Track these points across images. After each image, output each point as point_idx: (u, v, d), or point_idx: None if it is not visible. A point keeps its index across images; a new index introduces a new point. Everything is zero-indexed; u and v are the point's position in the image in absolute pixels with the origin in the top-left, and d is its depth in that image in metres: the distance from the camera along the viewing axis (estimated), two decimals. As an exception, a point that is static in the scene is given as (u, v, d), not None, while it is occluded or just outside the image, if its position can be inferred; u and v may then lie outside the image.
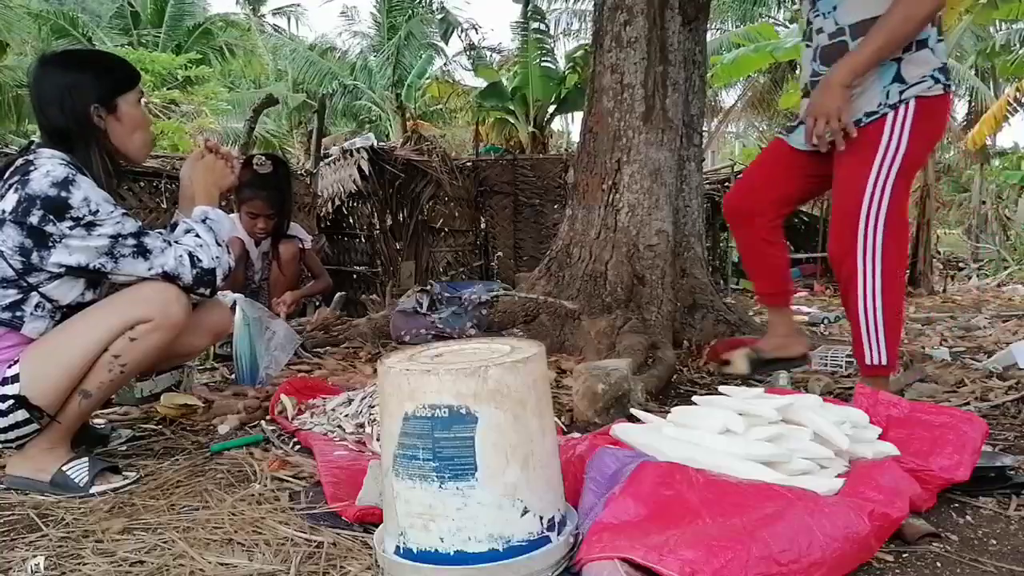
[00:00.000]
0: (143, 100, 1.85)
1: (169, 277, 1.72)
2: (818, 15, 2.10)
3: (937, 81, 1.96)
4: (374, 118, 18.64)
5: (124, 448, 1.98)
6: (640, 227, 3.39)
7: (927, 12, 1.88)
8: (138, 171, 4.73)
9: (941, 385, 2.64)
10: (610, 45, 3.42)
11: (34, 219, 1.59)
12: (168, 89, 13.54)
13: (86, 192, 1.62)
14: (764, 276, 2.40)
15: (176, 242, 1.76)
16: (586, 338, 3.11)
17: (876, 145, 1.97)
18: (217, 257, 1.79)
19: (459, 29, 18.55)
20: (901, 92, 1.95)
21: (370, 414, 2.03)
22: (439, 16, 18.41)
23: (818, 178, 2.20)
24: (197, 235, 1.79)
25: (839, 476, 1.45)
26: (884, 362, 2.05)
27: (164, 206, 4.93)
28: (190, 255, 1.75)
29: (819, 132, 1.98)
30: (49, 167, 1.63)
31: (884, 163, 1.97)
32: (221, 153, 1.93)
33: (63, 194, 1.60)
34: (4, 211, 1.62)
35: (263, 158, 3.51)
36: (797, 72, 13.33)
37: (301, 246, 3.77)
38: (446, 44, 18.81)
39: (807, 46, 2.17)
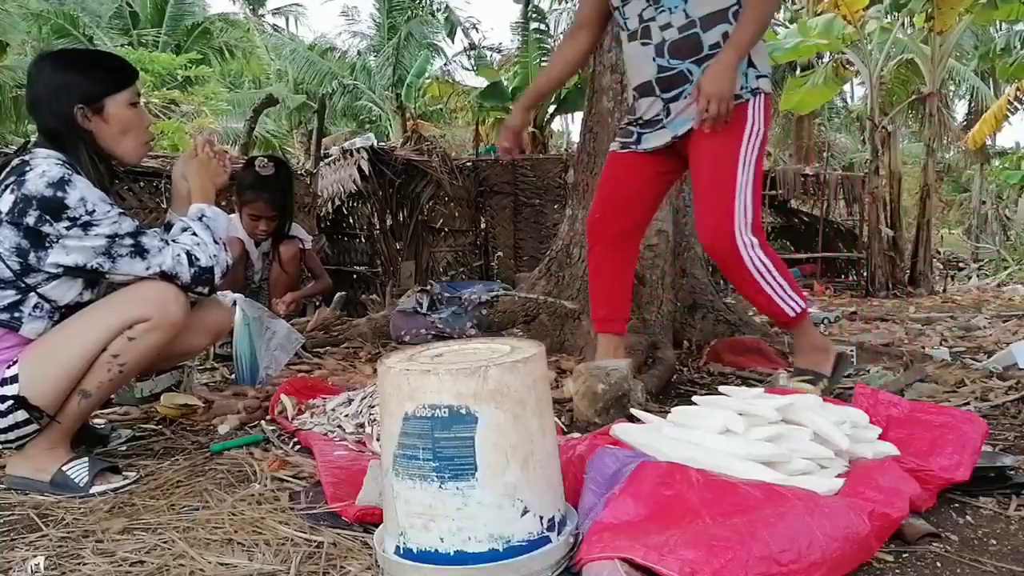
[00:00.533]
0: (140, 101, 1.82)
1: (167, 276, 1.72)
2: (663, 11, 2.12)
3: (770, 81, 2.15)
4: (374, 118, 18.64)
5: (124, 448, 1.98)
6: (640, 227, 3.38)
7: None
8: (138, 171, 4.73)
9: (941, 385, 2.64)
10: (610, 45, 3.41)
11: (30, 220, 1.59)
12: (168, 89, 13.54)
13: (82, 192, 1.62)
14: (611, 301, 2.41)
15: (173, 241, 1.75)
16: (586, 338, 3.11)
17: (743, 124, 2.07)
18: (215, 255, 1.79)
19: (460, 28, 18.59)
20: (757, 77, 2.09)
21: (370, 414, 2.03)
22: (443, 16, 18.44)
23: (668, 173, 2.33)
24: (194, 233, 1.79)
25: (839, 476, 1.45)
26: (802, 305, 2.13)
27: (164, 206, 4.93)
28: (188, 254, 1.75)
29: (713, 113, 2.00)
30: (45, 167, 1.62)
31: (751, 141, 2.07)
32: (215, 150, 1.91)
33: (59, 194, 1.59)
34: (0, 212, 1.62)
35: (265, 160, 3.51)
36: (797, 72, 13.33)
37: (301, 246, 3.77)
38: (452, 42, 18.87)
39: (643, 44, 2.16)
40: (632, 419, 1.80)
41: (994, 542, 1.38)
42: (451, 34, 18.61)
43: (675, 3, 2.10)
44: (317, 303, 4.27)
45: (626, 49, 2.26)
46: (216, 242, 1.81)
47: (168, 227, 1.83)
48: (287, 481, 1.70)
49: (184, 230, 1.79)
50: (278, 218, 3.55)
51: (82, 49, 1.97)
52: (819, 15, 9.97)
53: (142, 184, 4.90)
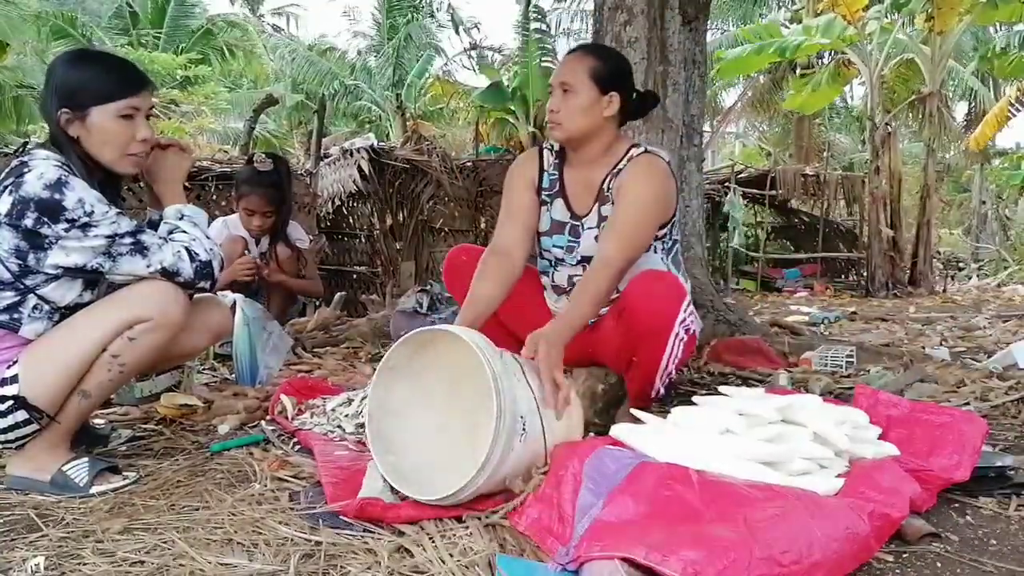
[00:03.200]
0: (137, 114, 1.73)
1: (168, 273, 1.71)
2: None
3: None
4: (374, 118, 18.63)
5: (124, 448, 1.98)
6: (640, 227, 3.38)
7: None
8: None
9: (941, 385, 2.64)
10: (610, 45, 3.41)
11: (29, 221, 1.59)
12: (168, 89, 13.54)
13: (80, 193, 1.61)
14: None
15: (170, 239, 1.75)
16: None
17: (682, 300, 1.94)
18: (211, 249, 1.79)
19: (461, 27, 18.60)
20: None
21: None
22: (447, 16, 18.45)
23: None
24: (184, 231, 1.78)
25: (839, 476, 1.45)
26: (663, 390, 2.00)
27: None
28: (187, 249, 1.74)
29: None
30: (42, 169, 1.62)
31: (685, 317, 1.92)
32: (161, 144, 1.86)
33: (56, 196, 1.59)
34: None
35: (263, 156, 3.51)
36: (797, 72, 13.35)
37: (298, 247, 3.72)
38: (459, 37, 18.91)
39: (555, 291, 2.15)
40: (632, 419, 1.80)
41: (994, 542, 1.38)
42: (457, 31, 18.64)
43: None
44: (317, 303, 4.26)
45: (551, 297, 2.23)
46: (207, 236, 1.81)
47: (152, 225, 1.83)
48: (287, 481, 1.70)
49: (172, 230, 1.79)
50: (274, 214, 3.52)
51: (98, 52, 1.88)
52: (819, 15, 9.98)
53: (142, 184, 4.87)
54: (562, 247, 2.14)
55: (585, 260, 2.11)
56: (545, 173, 2.17)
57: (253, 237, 3.57)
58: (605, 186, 2.06)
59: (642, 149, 2.07)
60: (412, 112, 17.51)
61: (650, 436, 1.56)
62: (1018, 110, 11.17)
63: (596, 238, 2.07)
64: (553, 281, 2.19)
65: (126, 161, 1.76)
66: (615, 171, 2.04)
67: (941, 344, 4.04)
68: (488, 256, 2.06)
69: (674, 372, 1.95)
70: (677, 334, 1.88)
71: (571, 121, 1.98)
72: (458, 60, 19.77)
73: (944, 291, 9.92)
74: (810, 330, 4.61)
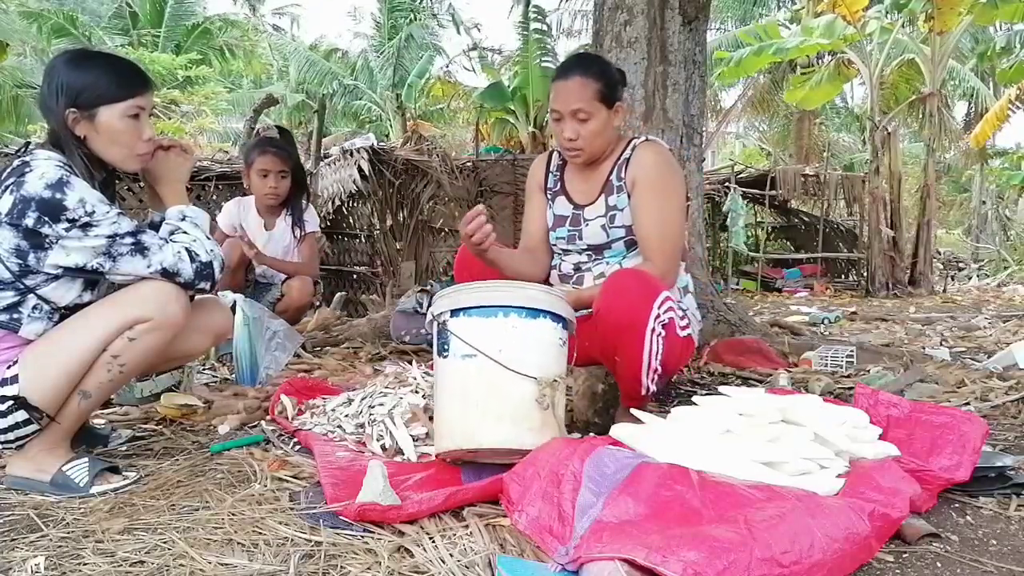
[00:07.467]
0: (143, 113, 1.74)
1: (168, 274, 1.71)
2: (600, 263, 2.19)
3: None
4: (374, 118, 18.64)
5: (124, 448, 1.98)
6: (640, 227, 3.38)
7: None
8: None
9: (941, 385, 2.64)
10: (610, 45, 3.42)
11: (29, 221, 1.59)
12: (168, 89, 13.55)
13: (81, 193, 1.61)
14: None
15: (171, 240, 1.75)
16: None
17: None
18: (212, 250, 1.79)
19: (462, 28, 18.61)
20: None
21: (370, 414, 2.03)
22: (448, 17, 18.47)
23: None
24: (185, 232, 1.79)
25: (839, 476, 1.45)
26: (655, 388, 1.97)
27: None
28: (187, 250, 1.74)
29: None
30: (44, 169, 1.62)
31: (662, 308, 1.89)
32: (163, 145, 1.86)
33: (58, 196, 1.59)
34: (0, 213, 1.61)
35: (269, 125, 3.58)
36: (798, 72, 13.34)
37: (306, 232, 3.64)
38: (459, 33, 18.98)
39: (574, 287, 2.17)
40: (632, 419, 1.79)
41: (994, 542, 1.39)
42: (458, 30, 18.68)
43: (616, 257, 2.17)
44: (317, 303, 4.26)
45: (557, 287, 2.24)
46: (208, 237, 1.81)
47: (153, 226, 1.83)
48: (287, 481, 1.70)
49: (174, 231, 1.79)
50: (287, 175, 3.44)
51: (98, 52, 1.88)
52: (819, 15, 9.98)
53: (142, 184, 4.88)
54: (564, 237, 2.24)
55: (591, 248, 2.20)
56: (551, 174, 2.32)
57: (271, 203, 3.49)
58: (614, 177, 2.16)
59: (643, 138, 2.21)
60: (412, 112, 17.51)
61: (650, 436, 1.56)
62: (1017, 108, 11.16)
63: (603, 227, 2.17)
64: (560, 271, 2.28)
65: (133, 160, 1.77)
66: (621, 161, 2.16)
67: (941, 344, 4.04)
68: (520, 251, 2.30)
69: (660, 369, 1.91)
70: (654, 330, 1.85)
71: (592, 145, 2.11)
72: (458, 60, 19.79)
73: (944, 291, 9.92)
74: (810, 330, 4.62)
